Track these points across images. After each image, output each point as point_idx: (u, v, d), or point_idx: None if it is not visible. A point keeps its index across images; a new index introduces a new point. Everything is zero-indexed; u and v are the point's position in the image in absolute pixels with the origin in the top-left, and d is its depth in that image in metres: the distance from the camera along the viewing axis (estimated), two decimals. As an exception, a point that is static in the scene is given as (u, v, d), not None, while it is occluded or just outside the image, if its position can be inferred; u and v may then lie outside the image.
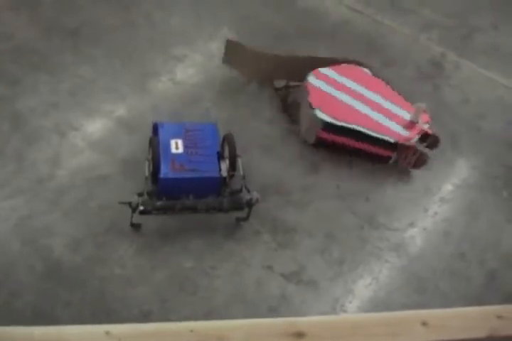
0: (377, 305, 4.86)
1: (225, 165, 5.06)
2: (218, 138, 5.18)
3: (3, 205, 5.10)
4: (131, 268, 4.85)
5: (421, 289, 4.97)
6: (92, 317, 4.55)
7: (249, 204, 4.96)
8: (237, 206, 4.98)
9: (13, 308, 4.54)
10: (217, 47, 6.34)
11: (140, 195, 4.89)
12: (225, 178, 5.06)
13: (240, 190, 5.05)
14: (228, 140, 5.14)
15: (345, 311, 4.80)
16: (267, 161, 5.57)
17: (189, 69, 6.27)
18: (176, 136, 5.12)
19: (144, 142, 5.50)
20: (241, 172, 5.07)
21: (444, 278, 5.06)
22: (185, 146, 5.06)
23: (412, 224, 5.34)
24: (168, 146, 5.06)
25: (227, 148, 5.14)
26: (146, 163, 5.07)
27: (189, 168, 4.96)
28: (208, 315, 4.63)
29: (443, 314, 3.37)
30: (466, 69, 6.60)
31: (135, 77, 6.13)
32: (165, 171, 4.93)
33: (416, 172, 5.66)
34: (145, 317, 4.60)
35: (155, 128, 5.27)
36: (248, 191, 4.99)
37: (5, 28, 6.45)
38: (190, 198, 4.90)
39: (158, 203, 4.84)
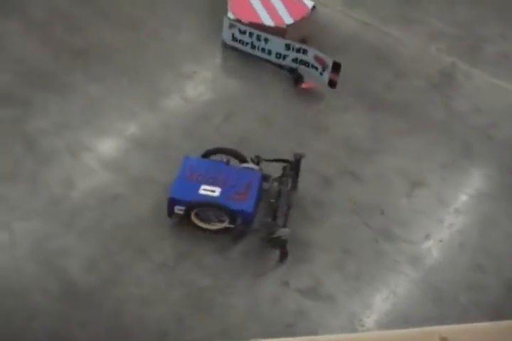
0: (395, 318, 4.82)
1: None
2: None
3: (18, 227, 5.11)
4: (147, 288, 4.84)
5: (439, 301, 4.92)
6: (109, 338, 4.55)
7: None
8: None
9: (30, 331, 4.55)
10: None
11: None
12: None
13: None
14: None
15: (362, 326, 4.77)
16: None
17: (199, 86, 6.27)
18: None
19: (156, 160, 5.55)
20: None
21: (461, 290, 5.01)
22: None
23: (427, 236, 5.30)
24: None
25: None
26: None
27: None
28: (224, 334, 4.61)
29: (462, 329, 3.35)
30: (477, 78, 6.56)
31: (145, 95, 6.15)
32: None
33: (430, 184, 5.64)
34: (161, 337, 4.60)
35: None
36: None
37: (16, 51, 6.49)
38: None
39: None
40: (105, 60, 6.41)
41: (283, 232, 4.96)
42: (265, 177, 5.35)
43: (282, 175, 5.32)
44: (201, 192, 5.08)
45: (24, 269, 4.86)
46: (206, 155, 5.34)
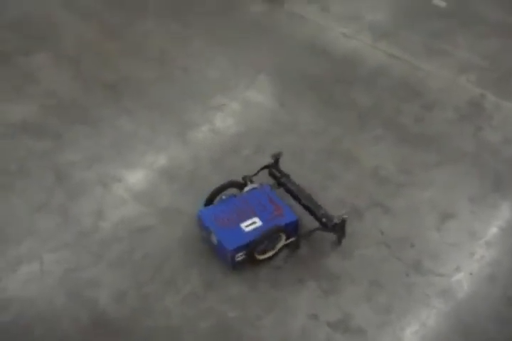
0: (426, 353, 4.76)
1: None
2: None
3: (49, 259, 5.16)
4: (176, 318, 4.83)
5: (469, 335, 4.84)
6: (138, 369, 4.55)
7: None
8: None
9: (60, 362, 4.58)
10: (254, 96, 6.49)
11: None
12: None
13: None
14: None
15: (393, 360, 4.71)
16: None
17: (228, 119, 6.33)
18: None
19: (185, 191, 5.59)
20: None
21: (491, 323, 4.92)
22: None
23: (458, 269, 5.24)
24: None
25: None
26: None
27: None
28: (253, 367, 4.60)
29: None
30: (506, 109, 6.54)
31: (175, 127, 6.22)
32: None
33: (460, 216, 5.59)
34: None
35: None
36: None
37: (48, 85, 6.63)
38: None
39: None
40: (136, 93, 6.52)
41: (340, 217, 5.11)
42: (271, 186, 5.41)
43: (277, 178, 5.44)
44: (248, 229, 5.02)
45: (54, 299, 4.90)
46: (210, 201, 5.27)
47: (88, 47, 7.06)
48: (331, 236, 5.32)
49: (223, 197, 5.28)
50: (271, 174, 5.53)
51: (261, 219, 5.10)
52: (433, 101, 6.57)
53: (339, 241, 5.35)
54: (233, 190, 5.37)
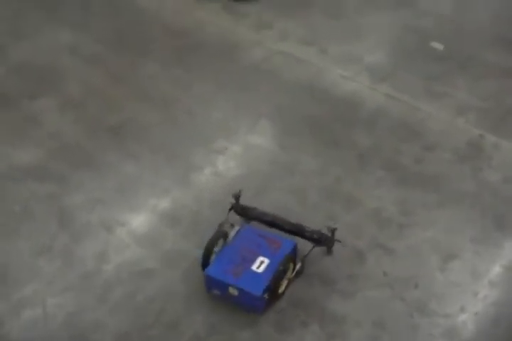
0: None
1: None
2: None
3: (52, 302, 5.16)
4: (179, 363, 4.83)
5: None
6: None
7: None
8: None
9: None
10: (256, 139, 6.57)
11: None
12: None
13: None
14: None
15: None
16: (308, 248, 5.57)
17: (230, 162, 6.39)
18: None
19: (188, 234, 5.61)
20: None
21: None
22: None
23: (462, 309, 5.23)
24: None
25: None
26: None
27: None
28: None
29: None
30: (505, 149, 6.59)
31: (178, 170, 6.28)
32: None
33: (463, 256, 5.59)
34: None
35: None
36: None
37: (52, 127, 6.72)
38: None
39: None
40: (139, 136, 6.60)
41: (330, 228, 5.33)
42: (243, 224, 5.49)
43: (246, 215, 5.54)
44: (261, 270, 5.03)
45: (58, 343, 4.89)
46: (207, 260, 5.20)
47: (92, 91, 7.17)
48: (335, 280, 5.34)
49: (215, 249, 5.28)
50: (238, 213, 5.58)
51: (266, 256, 5.12)
52: (433, 142, 6.64)
53: (330, 251, 5.48)
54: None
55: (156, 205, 5.94)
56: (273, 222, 5.48)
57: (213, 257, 5.19)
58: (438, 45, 7.86)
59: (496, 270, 5.55)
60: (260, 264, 5.07)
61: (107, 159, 6.36)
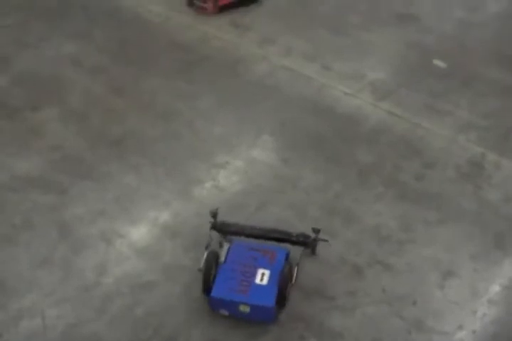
0: None
1: None
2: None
3: (50, 313, 5.16)
4: (176, 377, 4.82)
5: None
6: None
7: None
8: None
9: None
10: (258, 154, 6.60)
11: None
12: None
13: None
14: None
15: None
16: (310, 264, 5.57)
17: (232, 176, 6.40)
18: None
19: (188, 247, 5.62)
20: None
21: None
22: None
23: (460, 327, 5.23)
24: None
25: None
26: None
27: None
28: None
29: None
30: (506, 168, 6.61)
31: (179, 184, 6.29)
32: None
33: (462, 274, 5.60)
34: None
35: None
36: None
37: (54, 139, 6.73)
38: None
39: None
40: (141, 149, 6.61)
41: (315, 229, 5.46)
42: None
43: (227, 231, 5.54)
44: (265, 282, 5.10)
45: (55, 356, 4.88)
46: (208, 284, 5.17)
47: (95, 103, 7.19)
48: (334, 296, 5.35)
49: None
50: (218, 231, 5.56)
51: (264, 267, 5.18)
52: (433, 159, 6.66)
53: (314, 252, 5.58)
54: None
55: (157, 218, 5.94)
56: (257, 234, 5.52)
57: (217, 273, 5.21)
58: (440, 63, 7.89)
59: (496, 288, 5.55)
60: (262, 276, 5.11)
61: (108, 171, 6.38)
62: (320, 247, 5.62)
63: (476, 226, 6.01)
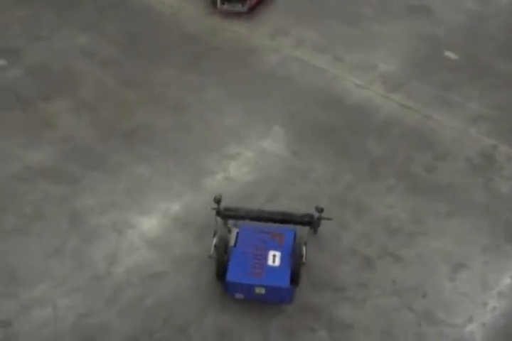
0: None
1: None
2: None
3: (61, 303, 5.19)
4: (186, 367, 4.84)
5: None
6: None
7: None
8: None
9: None
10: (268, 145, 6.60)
11: None
12: None
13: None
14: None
15: None
16: (320, 256, 5.58)
17: (242, 167, 6.41)
18: None
19: (198, 238, 5.64)
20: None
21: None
22: None
23: (470, 320, 5.22)
24: None
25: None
26: None
27: None
28: None
29: None
30: (518, 160, 6.60)
31: (190, 175, 6.30)
32: None
33: (472, 266, 5.59)
34: None
35: None
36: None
37: (66, 130, 6.75)
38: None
39: None
40: (152, 140, 6.62)
41: (318, 207, 5.49)
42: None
43: (232, 215, 5.61)
44: (277, 263, 5.17)
45: (67, 345, 4.91)
46: (224, 270, 5.19)
47: (106, 94, 7.20)
48: (344, 288, 5.36)
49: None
50: (223, 217, 5.60)
51: (275, 249, 5.25)
52: (445, 151, 6.63)
53: (315, 231, 5.66)
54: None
55: (168, 209, 5.96)
56: (261, 216, 5.56)
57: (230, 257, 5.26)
58: (452, 55, 7.86)
59: (506, 281, 5.54)
60: (274, 258, 5.17)
61: (119, 162, 6.39)
62: (329, 238, 5.63)
63: (487, 218, 5.99)
